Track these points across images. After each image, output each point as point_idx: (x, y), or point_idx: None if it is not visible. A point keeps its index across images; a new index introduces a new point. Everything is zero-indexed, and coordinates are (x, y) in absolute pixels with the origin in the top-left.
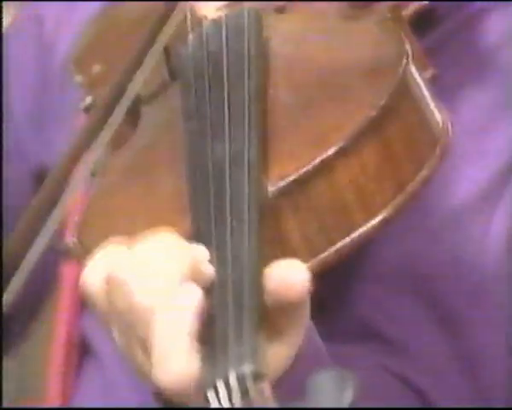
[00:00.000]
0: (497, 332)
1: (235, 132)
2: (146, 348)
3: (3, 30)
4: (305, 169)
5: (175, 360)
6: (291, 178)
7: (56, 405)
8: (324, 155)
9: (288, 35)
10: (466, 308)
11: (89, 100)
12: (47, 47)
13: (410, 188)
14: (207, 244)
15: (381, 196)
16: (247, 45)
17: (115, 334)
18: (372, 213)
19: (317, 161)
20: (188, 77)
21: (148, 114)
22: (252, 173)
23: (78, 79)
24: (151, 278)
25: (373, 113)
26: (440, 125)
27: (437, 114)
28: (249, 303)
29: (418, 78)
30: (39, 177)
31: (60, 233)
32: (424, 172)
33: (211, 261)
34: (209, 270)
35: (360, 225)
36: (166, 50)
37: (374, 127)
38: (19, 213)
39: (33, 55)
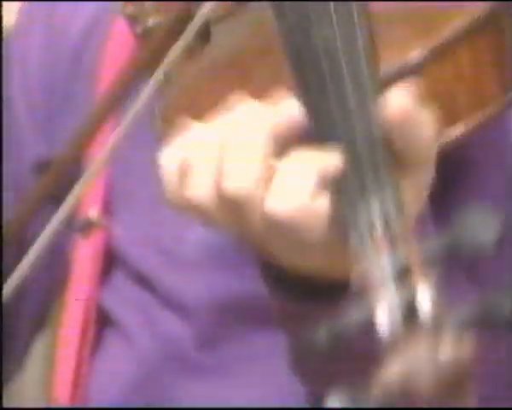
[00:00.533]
0: None
1: (341, 18)
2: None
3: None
4: (417, 56)
5: (299, 188)
6: (403, 64)
7: (68, 386)
8: (434, 45)
9: None
10: None
11: (151, 22)
12: (59, 30)
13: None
14: (328, 118)
15: (483, 96)
16: None
17: (202, 191)
18: (478, 108)
19: (427, 49)
20: None
21: (221, 30)
22: (367, 53)
23: (128, 10)
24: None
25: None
26: None
27: None
28: (378, 145)
29: None
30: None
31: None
32: None
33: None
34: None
35: (462, 122)
36: None
37: (480, 28)
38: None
39: (42, 39)
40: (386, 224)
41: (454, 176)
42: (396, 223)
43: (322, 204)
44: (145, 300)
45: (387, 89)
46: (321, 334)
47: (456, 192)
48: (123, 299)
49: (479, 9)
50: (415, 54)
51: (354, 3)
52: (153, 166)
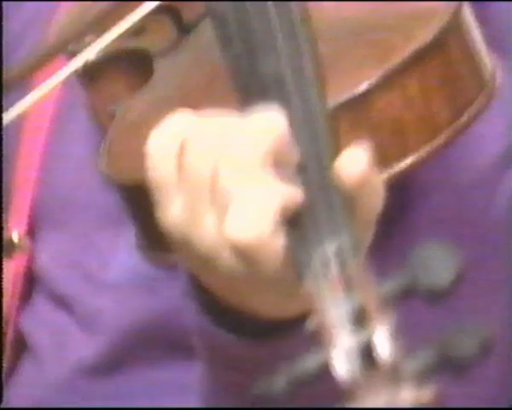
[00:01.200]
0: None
1: (289, 48)
2: (221, 214)
3: None
4: (365, 85)
5: (257, 216)
6: (351, 93)
7: None
8: (383, 73)
9: None
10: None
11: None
12: None
13: (461, 121)
14: None
15: (434, 124)
16: None
17: (175, 206)
18: (430, 137)
19: (376, 78)
20: (223, 9)
21: (165, 65)
22: (316, 83)
23: (70, 47)
24: (238, 147)
25: (428, 39)
26: (490, 68)
27: (487, 59)
28: (333, 182)
29: (472, 21)
30: None
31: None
32: (472, 110)
33: None
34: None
35: (414, 151)
36: (172, 10)
37: (428, 55)
38: None
39: None
40: (342, 264)
41: (403, 199)
42: (351, 263)
43: (283, 238)
44: (62, 323)
45: (337, 119)
46: (279, 380)
47: (408, 218)
48: (40, 322)
49: (425, 34)
50: (362, 82)
51: (301, 32)
52: (82, 190)
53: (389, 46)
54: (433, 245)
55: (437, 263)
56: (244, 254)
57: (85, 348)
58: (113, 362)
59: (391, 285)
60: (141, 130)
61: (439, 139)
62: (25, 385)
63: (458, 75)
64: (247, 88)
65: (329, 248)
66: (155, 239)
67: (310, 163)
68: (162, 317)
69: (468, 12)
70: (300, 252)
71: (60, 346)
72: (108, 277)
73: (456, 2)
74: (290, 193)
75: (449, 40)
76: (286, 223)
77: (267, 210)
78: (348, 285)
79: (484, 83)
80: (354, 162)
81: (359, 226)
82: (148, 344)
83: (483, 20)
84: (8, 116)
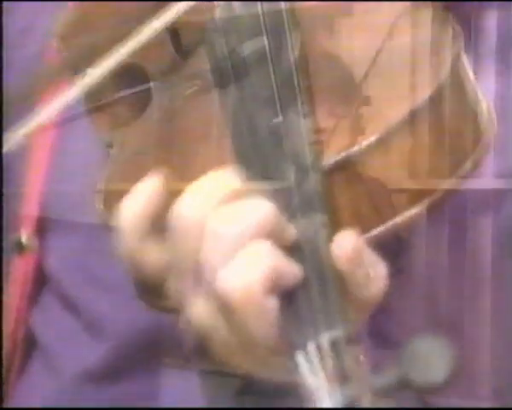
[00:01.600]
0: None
1: (285, 101)
2: None
3: None
4: (363, 144)
5: (246, 269)
6: (348, 152)
7: None
8: (379, 133)
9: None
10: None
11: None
12: None
13: (461, 173)
14: None
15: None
16: (285, 18)
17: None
18: (423, 193)
19: (375, 137)
20: (220, 51)
21: (162, 92)
22: (310, 140)
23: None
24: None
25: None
26: (487, 115)
27: (484, 105)
28: (331, 270)
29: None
30: None
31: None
32: (469, 163)
33: None
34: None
35: (410, 206)
36: (173, 31)
37: (424, 109)
38: None
39: None
40: (336, 355)
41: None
42: (346, 355)
43: (274, 304)
44: (69, 324)
45: (332, 178)
46: None
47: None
48: (49, 322)
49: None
50: (357, 144)
51: (297, 88)
52: (88, 192)
53: (385, 105)
54: (427, 340)
55: (431, 359)
56: (232, 306)
57: (91, 351)
58: (118, 366)
59: (384, 380)
60: (137, 170)
61: (435, 195)
62: (35, 383)
63: (455, 131)
64: (242, 141)
65: (324, 338)
66: (150, 289)
67: (304, 243)
68: (165, 322)
69: (465, 59)
70: (295, 336)
71: (67, 347)
72: (112, 280)
73: (454, 54)
74: (286, 263)
75: (445, 96)
76: (283, 304)
77: (258, 265)
78: (343, 376)
79: (480, 134)
80: (343, 241)
81: (354, 314)
82: (152, 349)
83: (482, 32)
84: (12, 139)
